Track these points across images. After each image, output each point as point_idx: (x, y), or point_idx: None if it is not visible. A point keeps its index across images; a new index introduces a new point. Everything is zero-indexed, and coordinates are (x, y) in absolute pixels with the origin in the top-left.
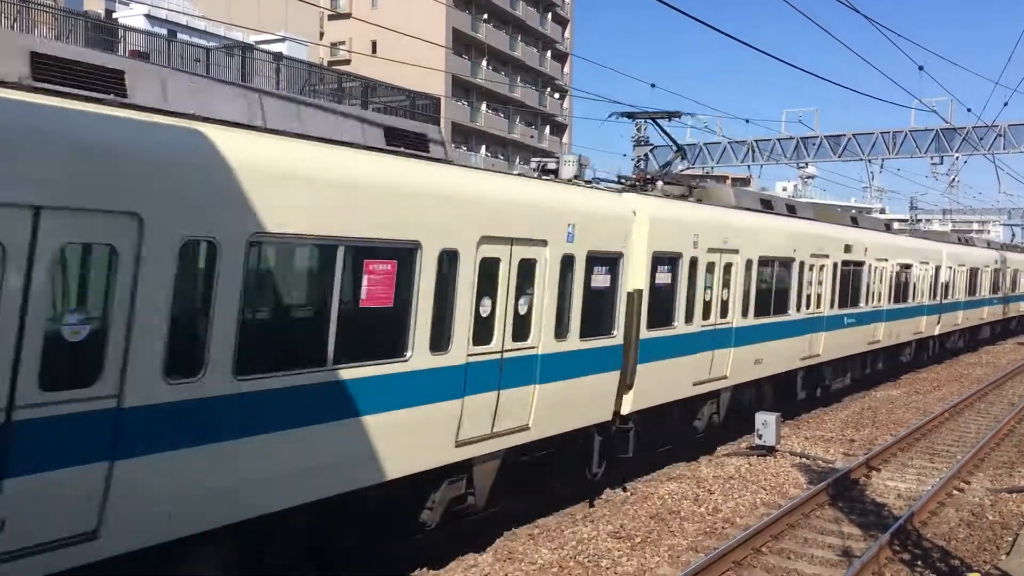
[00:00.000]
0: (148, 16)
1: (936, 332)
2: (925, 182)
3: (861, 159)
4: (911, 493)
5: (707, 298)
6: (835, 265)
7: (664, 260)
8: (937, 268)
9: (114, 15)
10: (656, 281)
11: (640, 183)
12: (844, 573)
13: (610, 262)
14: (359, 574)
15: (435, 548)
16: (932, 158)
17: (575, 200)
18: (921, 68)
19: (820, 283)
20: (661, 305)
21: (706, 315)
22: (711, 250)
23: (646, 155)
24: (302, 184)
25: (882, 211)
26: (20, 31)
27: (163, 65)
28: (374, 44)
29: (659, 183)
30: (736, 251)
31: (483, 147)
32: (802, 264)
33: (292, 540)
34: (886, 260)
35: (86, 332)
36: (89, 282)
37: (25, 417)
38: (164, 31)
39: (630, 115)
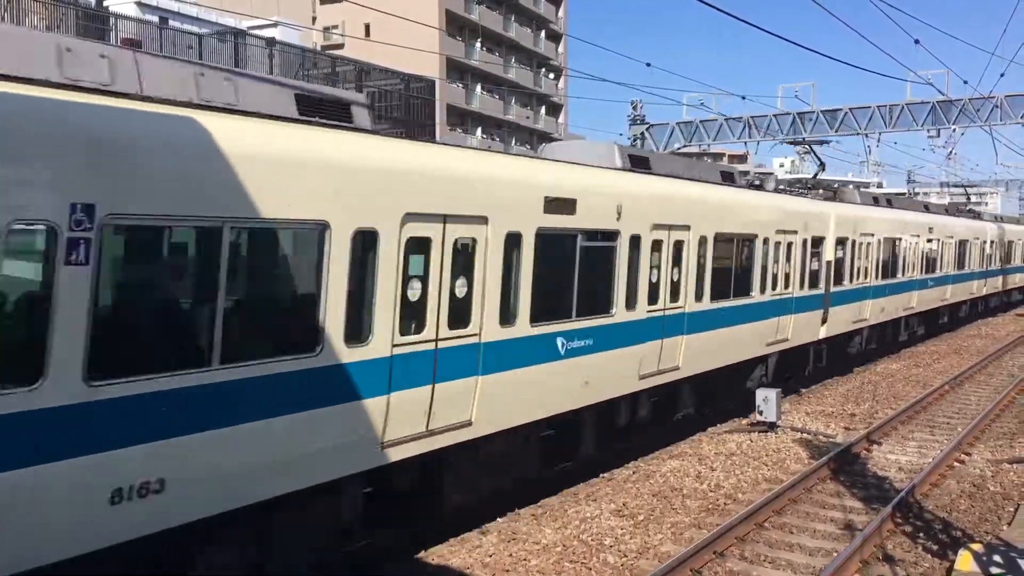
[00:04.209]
0: (139, 3)
1: (984, 293)
2: (922, 155)
3: (858, 133)
4: (912, 466)
5: (858, 266)
6: (921, 243)
7: (841, 242)
8: (984, 242)
9: (104, 2)
10: (837, 255)
11: (803, 190)
12: (847, 546)
13: (819, 243)
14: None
15: (439, 530)
16: (929, 131)
17: (805, 206)
18: (917, 41)
19: (914, 254)
20: (839, 271)
21: (858, 277)
22: (862, 234)
23: (642, 134)
24: (725, 207)
25: (879, 185)
26: (11, 22)
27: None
28: (367, 27)
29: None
30: (873, 234)
31: (479, 129)
32: (905, 242)
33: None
34: (951, 238)
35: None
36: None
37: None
38: (155, 18)
39: (794, 142)
